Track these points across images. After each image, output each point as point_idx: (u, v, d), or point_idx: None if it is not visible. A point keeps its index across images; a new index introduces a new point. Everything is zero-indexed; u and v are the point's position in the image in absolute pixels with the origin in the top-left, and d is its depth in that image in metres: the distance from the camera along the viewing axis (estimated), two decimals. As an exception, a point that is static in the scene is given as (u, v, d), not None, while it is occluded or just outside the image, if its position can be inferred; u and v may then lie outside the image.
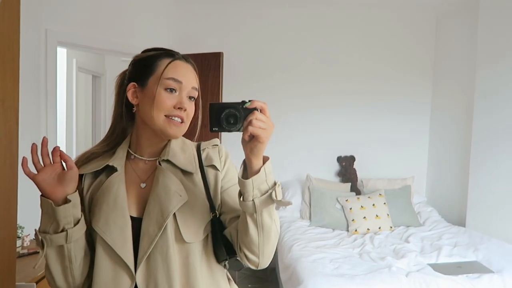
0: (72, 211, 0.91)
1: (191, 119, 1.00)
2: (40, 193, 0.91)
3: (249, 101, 0.85)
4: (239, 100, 0.86)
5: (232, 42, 3.89)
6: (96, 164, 1.01)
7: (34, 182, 0.90)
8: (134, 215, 0.97)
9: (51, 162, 0.91)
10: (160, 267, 0.92)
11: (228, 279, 1.07)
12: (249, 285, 3.43)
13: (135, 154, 1.04)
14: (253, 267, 0.97)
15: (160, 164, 1.00)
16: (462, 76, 3.55)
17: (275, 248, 0.96)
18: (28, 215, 2.55)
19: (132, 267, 0.93)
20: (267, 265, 0.97)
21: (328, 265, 2.50)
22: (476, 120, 3.23)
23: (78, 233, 0.93)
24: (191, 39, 3.85)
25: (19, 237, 2.19)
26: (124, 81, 1.05)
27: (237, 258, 1.00)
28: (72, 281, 0.97)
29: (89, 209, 0.99)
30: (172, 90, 0.97)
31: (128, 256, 0.93)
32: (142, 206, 0.97)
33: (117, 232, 0.93)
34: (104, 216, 0.95)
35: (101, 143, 1.06)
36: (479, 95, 3.21)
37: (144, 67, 1.00)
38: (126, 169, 1.02)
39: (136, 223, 0.96)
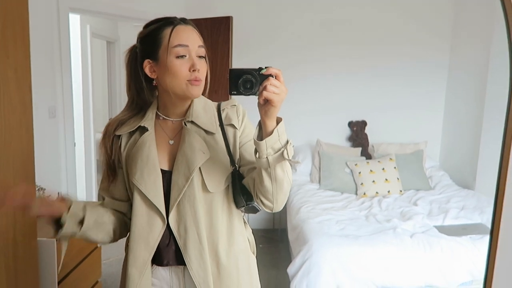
0: (71, 227, 1.08)
1: (205, 75, 1.09)
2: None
3: (265, 67, 0.92)
4: (255, 66, 0.94)
5: (242, 6, 3.83)
6: (130, 126, 1.15)
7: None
8: (166, 168, 1.12)
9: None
10: (189, 213, 1.08)
11: (244, 222, 1.23)
12: (260, 245, 3.57)
13: (163, 116, 1.16)
14: (268, 211, 1.10)
15: (185, 124, 1.12)
16: (482, 37, 3.43)
17: (287, 195, 1.08)
18: (48, 178, 2.70)
19: (163, 213, 1.09)
20: (281, 209, 1.10)
21: (334, 226, 2.59)
22: (490, 84, 3.17)
23: (89, 222, 1.10)
24: (201, 3, 3.82)
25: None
26: (135, 57, 1.13)
27: (253, 204, 1.13)
28: (108, 238, 1.17)
29: (126, 164, 1.14)
30: (182, 56, 1.05)
31: (160, 203, 1.09)
32: (172, 161, 1.12)
33: (150, 184, 1.08)
34: (139, 170, 1.09)
35: (124, 112, 1.18)
36: (494, 58, 3.13)
37: (151, 42, 1.08)
38: (156, 128, 1.15)
39: (167, 176, 1.10)
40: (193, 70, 1.04)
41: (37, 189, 2.26)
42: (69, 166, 3.02)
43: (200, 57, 1.07)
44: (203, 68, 1.07)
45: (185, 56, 1.05)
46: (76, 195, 3.14)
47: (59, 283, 1.95)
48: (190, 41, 1.06)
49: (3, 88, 1.42)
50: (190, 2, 3.81)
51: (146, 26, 1.12)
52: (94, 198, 4.19)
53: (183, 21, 1.09)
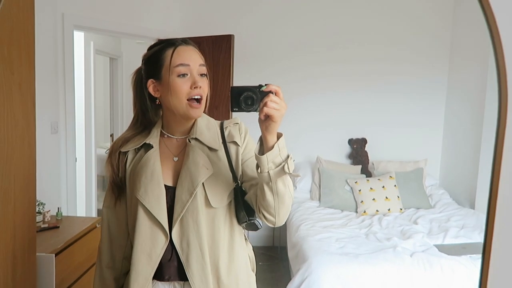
0: None
1: (206, 93, 1.13)
2: None
3: (265, 84, 0.96)
4: (256, 83, 0.98)
5: (243, 24, 3.90)
6: (135, 143, 1.19)
7: None
8: (169, 184, 1.14)
9: None
10: (191, 228, 1.10)
11: (245, 239, 1.25)
12: (260, 263, 3.55)
13: (167, 134, 1.20)
14: (270, 225, 1.12)
15: (189, 141, 1.15)
16: (479, 55, 3.47)
17: (289, 209, 1.10)
18: (49, 193, 2.70)
19: (166, 228, 1.11)
20: (283, 223, 1.11)
21: (334, 244, 2.57)
22: (488, 102, 3.20)
23: None
24: (203, 21, 3.88)
25: (40, 213, 2.33)
26: (140, 78, 1.18)
27: (254, 221, 1.16)
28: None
29: (129, 179, 1.17)
30: (184, 75, 1.09)
31: (163, 219, 1.11)
32: (176, 177, 1.14)
33: (154, 199, 1.10)
34: (143, 186, 1.11)
35: (129, 130, 1.23)
36: (491, 76, 3.16)
37: (154, 63, 1.13)
38: (161, 146, 1.18)
39: (171, 191, 1.12)
40: (194, 87, 1.08)
41: (37, 204, 2.27)
42: (69, 181, 3.03)
43: (201, 75, 1.11)
44: (204, 86, 1.11)
45: (187, 74, 1.09)
46: (76, 210, 3.13)
47: (56, 299, 1.93)
48: (191, 60, 1.10)
49: (7, 103, 1.44)
50: (191, 19, 3.87)
51: (150, 48, 1.17)
52: (94, 213, 4.18)
53: (184, 41, 1.14)
